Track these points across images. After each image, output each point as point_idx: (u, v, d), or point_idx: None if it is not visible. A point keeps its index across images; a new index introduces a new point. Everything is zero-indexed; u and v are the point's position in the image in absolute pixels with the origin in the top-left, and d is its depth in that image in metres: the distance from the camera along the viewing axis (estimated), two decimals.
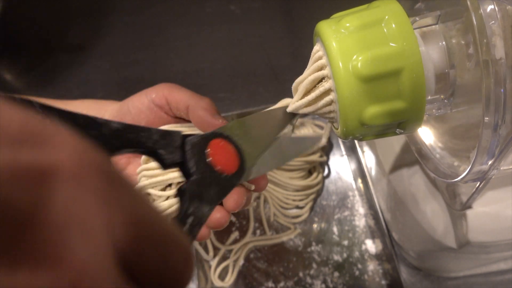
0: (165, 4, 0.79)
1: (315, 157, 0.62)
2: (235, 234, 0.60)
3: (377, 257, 0.58)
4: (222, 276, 0.58)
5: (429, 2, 0.33)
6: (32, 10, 0.80)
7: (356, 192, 0.63)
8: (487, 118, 0.27)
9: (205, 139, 0.23)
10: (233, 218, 0.62)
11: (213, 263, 0.58)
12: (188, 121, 0.35)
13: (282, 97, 0.34)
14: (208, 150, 0.23)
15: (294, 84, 0.30)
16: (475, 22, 0.25)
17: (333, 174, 0.65)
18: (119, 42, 0.76)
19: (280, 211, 0.62)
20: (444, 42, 0.30)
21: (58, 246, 0.09)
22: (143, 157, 0.34)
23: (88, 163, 0.11)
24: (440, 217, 0.45)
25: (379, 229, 0.59)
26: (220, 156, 0.23)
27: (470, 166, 0.30)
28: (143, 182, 0.34)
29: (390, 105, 0.27)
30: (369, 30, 0.27)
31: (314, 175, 0.62)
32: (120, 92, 0.38)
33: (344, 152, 0.66)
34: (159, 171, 0.33)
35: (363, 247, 0.59)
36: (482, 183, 0.33)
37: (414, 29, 0.27)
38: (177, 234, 0.14)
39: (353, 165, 0.65)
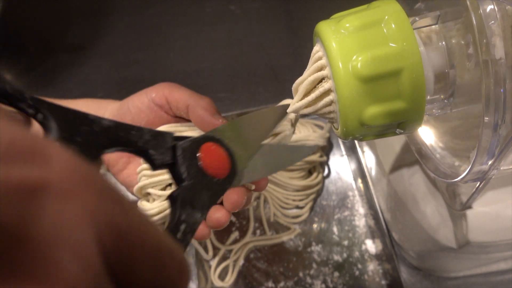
0: (165, 4, 0.79)
1: (315, 157, 0.62)
2: (235, 234, 0.60)
3: (377, 257, 0.58)
4: (222, 276, 0.58)
5: (429, 2, 0.33)
6: (32, 10, 0.80)
7: (356, 192, 0.63)
8: (487, 118, 0.27)
9: (196, 143, 0.23)
10: (233, 218, 0.62)
11: (213, 263, 0.58)
12: (188, 121, 0.35)
13: (282, 97, 0.34)
14: (200, 154, 0.23)
15: (294, 85, 0.30)
16: (474, 22, 0.25)
17: (333, 174, 0.65)
18: (119, 42, 0.76)
19: (280, 211, 0.62)
20: (444, 42, 0.30)
21: (47, 262, 0.09)
22: None
23: (77, 178, 0.11)
24: (440, 217, 0.45)
25: (379, 229, 0.59)
26: (211, 160, 0.23)
27: (470, 166, 0.30)
28: (143, 181, 0.34)
29: (390, 105, 0.27)
30: (369, 30, 0.26)
31: (314, 175, 0.62)
32: (120, 92, 0.38)
33: (344, 152, 0.66)
34: (159, 170, 0.33)
35: (363, 247, 0.59)
36: (482, 183, 0.33)
37: (414, 29, 0.27)
38: (170, 244, 0.14)
39: (353, 165, 0.65)
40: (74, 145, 0.18)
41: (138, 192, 0.34)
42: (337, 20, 0.28)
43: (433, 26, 0.31)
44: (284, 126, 0.33)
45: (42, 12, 0.80)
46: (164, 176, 0.33)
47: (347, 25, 0.27)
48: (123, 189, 0.38)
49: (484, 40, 0.25)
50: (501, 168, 0.31)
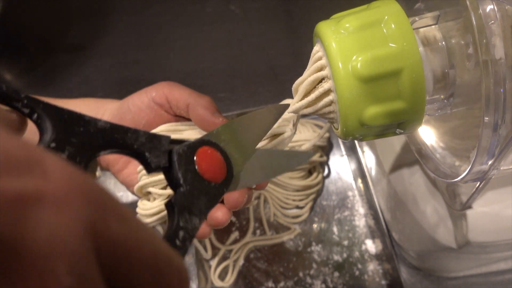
0: (165, 4, 0.79)
1: (315, 157, 0.62)
2: (235, 234, 0.60)
3: (377, 257, 0.58)
4: (222, 276, 0.58)
5: (429, 2, 0.33)
6: (32, 10, 0.80)
7: (356, 192, 0.63)
8: (487, 118, 0.27)
9: (192, 148, 0.23)
10: (233, 218, 0.62)
11: (213, 263, 0.58)
12: (188, 120, 0.35)
13: (282, 97, 0.34)
14: (196, 159, 0.22)
15: (294, 85, 0.30)
16: (474, 22, 0.25)
17: (333, 174, 0.65)
18: (119, 42, 0.76)
19: (280, 211, 0.62)
20: (443, 42, 0.30)
21: (43, 274, 0.09)
22: None
23: (73, 189, 0.11)
24: (440, 217, 0.45)
25: (379, 229, 0.59)
26: (207, 164, 0.23)
27: (470, 166, 0.30)
28: (143, 180, 0.34)
29: (390, 105, 0.27)
30: (368, 30, 0.26)
31: (314, 175, 0.62)
32: (120, 92, 0.38)
33: (344, 152, 0.66)
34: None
35: (363, 247, 0.59)
36: (482, 183, 0.33)
37: (414, 29, 0.27)
38: (168, 252, 0.14)
39: (353, 165, 0.65)
40: (69, 146, 0.18)
41: (139, 191, 0.34)
42: (337, 20, 0.28)
43: (433, 26, 0.31)
44: (285, 127, 0.32)
45: (42, 12, 0.80)
46: (163, 175, 0.33)
47: (347, 25, 0.27)
48: (123, 188, 0.38)
49: (484, 40, 0.25)
50: (501, 168, 0.31)
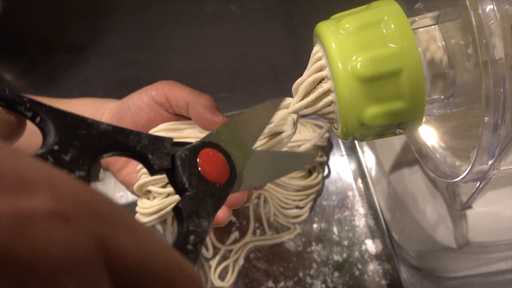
0: (165, 4, 0.79)
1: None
2: (235, 234, 0.60)
3: (377, 257, 0.58)
4: (222, 276, 0.58)
5: (428, 2, 0.33)
6: (32, 10, 0.80)
7: (356, 192, 0.63)
8: (486, 118, 0.27)
9: (194, 151, 0.23)
10: (233, 218, 0.62)
11: (213, 263, 0.58)
12: (188, 118, 0.35)
13: (282, 97, 0.34)
14: (199, 162, 0.22)
15: (294, 85, 0.30)
16: (474, 22, 0.25)
17: (333, 174, 0.65)
18: (119, 42, 0.76)
19: (280, 211, 0.62)
20: (443, 43, 0.30)
21: None
22: None
23: (83, 205, 0.11)
24: (440, 217, 0.45)
25: (379, 229, 0.59)
26: (211, 166, 0.23)
27: (470, 166, 0.30)
28: (143, 179, 0.34)
29: (390, 105, 0.27)
30: (368, 31, 0.26)
31: (314, 175, 0.62)
32: (120, 92, 0.38)
33: (344, 152, 0.66)
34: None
35: (363, 247, 0.59)
36: (482, 183, 0.33)
37: (414, 29, 0.27)
38: (180, 260, 0.14)
39: (353, 165, 0.65)
40: (72, 148, 0.18)
41: (138, 190, 0.34)
42: (337, 20, 0.28)
43: (433, 26, 0.31)
44: (285, 126, 0.32)
45: (42, 12, 0.80)
46: (163, 174, 0.33)
47: (347, 25, 0.27)
48: (123, 188, 0.38)
49: (484, 40, 0.25)
50: (501, 168, 0.31)
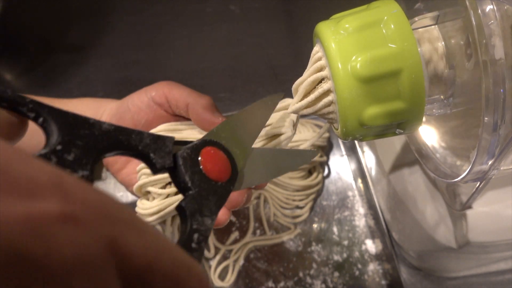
0: (165, 4, 0.79)
1: (315, 157, 0.62)
2: (235, 234, 0.60)
3: (377, 257, 0.58)
4: (222, 276, 0.58)
5: (428, 2, 0.33)
6: (32, 10, 0.80)
7: (356, 192, 0.63)
8: (486, 118, 0.27)
9: (195, 150, 0.23)
10: (233, 218, 0.62)
11: (213, 263, 0.58)
12: (188, 119, 0.35)
13: (282, 97, 0.34)
14: (200, 160, 0.23)
15: (294, 86, 0.30)
16: (473, 22, 0.25)
17: (333, 174, 0.65)
18: (119, 42, 0.76)
19: (280, 211, 0.62)
20: (443, 43, 0.30)
21: None
22: None
23: (94, 209, 0.12)
24: (440, 217, 0.45)
25: (379, 229, 0.59)
26: (212, 164, 0.23)
27: (470, 166, 0.30)
28: (143, 180, 0.34)
29: (390, 105, 0.27)
30: (368, 31, 0.26)
31: (314, 175, 0.62)
32: (121, 92, 0.38)
33: (344, 152, 0.66)
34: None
35: (363, 247, 0.59)
36: (482, 183, 0.33)
37: (413, 29, 0.27)
38: (187, 259, 0.14)
39: (353, 165, 0.65)
40: (75, 148, 0.18)
41: (138, 190, 0.34)
42: (337, 20, 0.28)
43: (433, 27, 0.31)
44: (285, 127, 0.33)
45: (42, 12, 0.80)
46: (163, 174, 0.33)
47: (347, 25, 0.27)
48: (123, 189, 0.38)
49: (484, 41, 0.25)
50: (501, 168, 0.31)
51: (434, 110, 0.33)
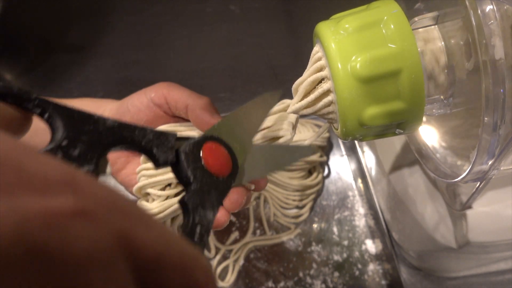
0: (165, 4, 0.79)
1: (315, 157, 0.62)
2: (235, 234, 0.60)
3: (377, 257, 0.58)
4: (222, 276, 0.58)
5: (428, 2, 0.33)
6: (32, 10, 0.80)
7: (356, 192, 0.63)
8: (486, 118, 0.27)
9: (197, 146, 0.23)
10: (233, 218, 0.62)
11: (213, 263, 0.58)
12: (187, 120, 0.35)
13: (282, 97, 0.34)
14: (202, 156, 0.23)
15: (294, 86, 0.30)
16: (473, 23, 0.25)
17: (333, 174, 0.65)
18: (119, 42, 0.76)
19: (280, 211, 0.62)
20: (443, 43, 0.30)
21: (83, 284, 0.11)
22: (142, 156, 0.34)
23: (105, 204, 0.12)
24: (440, 217, 0.45)
25: (379, 229, 0.59)
26: (214, 159, 0.24)
27: (470, 166, 0.30)
28: (142, 181, 0.34)
29: (390, 105, 0.27)
30: (368, 31, 0.26)
31: (314, 175, 0.62)
32: (121, 92, 0.38)
33: (344, 152, 0.66)
34: (159, 170, 0.33)
35: (363, 247, 0.59)
36: (482, 183, 0.33)
37: (413, 29, 0.27)
38: (193, 251, 0.14)
39: (353, 165, 0.65)
40: (80, 143, 0.19)
41: (138, 192, 0.34)
42: (337, 20, 0.28)
43: (432, 27, 0.31)
44: (285, 130, 0.33)
45: (42, 12, 0.80)
46: (163, 176, 0.33)
47: (346, 25, 0.27)
48: (122, 189, 0.38)
49: (483, 41, 0.25)
50: (501, 168, 0.31)
51: (434, 110, 0.33)
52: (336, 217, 0.61)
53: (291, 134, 0.32)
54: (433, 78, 0.30)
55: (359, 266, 0.58)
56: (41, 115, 0.19)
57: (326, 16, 0.30)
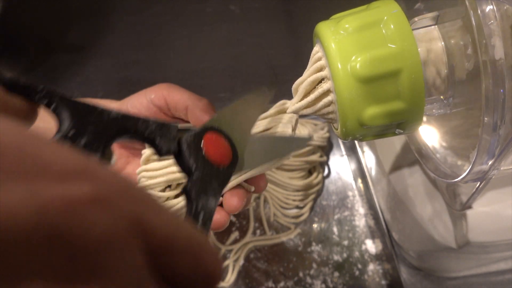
0: (165, 4, 0.79)
1: (315, 157, 0.62)
2: (235, 234, 0.60)
3: (377, 257, 0.58)
4: (222, 276, 0.58)
5: (428, 2, 0.33)
6: (32, 10, 0.80)
7: (356, 192, 0.63)
8: (486, 119, 0.27)
9: (198, 136, 0.24)
10: (233, 218, 0.62)
11: None
12: (187, 122, 0.35)
13: (282, 97, 0.34)
14: (203, 146, 0.24)
15: (294, 86, 0.30)
16: (473, 23, 0.25)
17: (333, 174, 0.65)
18: (119, 42, 0.76)
19: (280, 211, 0.62)
20: (443, 43, 0.30)
21: (102, 266, 0.11)
22: (143, 157, 0.34)
23: (120, 191, 0.13)
24: (440, 217, 0.45)
25: (379, 229, 0.59)
26: (215, 149, 0.24)
27: (470, 166, 0.30)
28: (142, 182, 0.34)
29: (389, 105, 0.27)
30: (368, 31, 0.26)
31: (314, 175, 0.62)
32: (121, 92, 0.38)
33: (344, 152, 0.66)
34: (159, 172, 0.33)
35: (363, 247, 0.59)
36: (482, 183, 0.33)
37: (413, 29, 0.27)
38: (200, 236, 0.15)
39: (353, 165, 0.65)
40: (86, 133, 0.19)
41: None
42: (337, 21, 0.28)
43: (432, 27, 0.31)
44: (285, 131, 0.33)
45: (42, 12, 0.80)
46: (163, 177, 0.33)
47: (346, 25, 0.27)
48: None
49: (483, 41, 0.25)
50: (501, 168, 0.31)
51: (434, 110, 0.33)
52: (336, 217, 0.61)
53: (288, 129, 0.33)
54: (433, 78, 0.30)
55: (359, 266, 0.58)
56: (47, 106, 0.20)
57: (326, 16, 0.30)
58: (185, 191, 0.22)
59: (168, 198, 0.33)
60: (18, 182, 0.10)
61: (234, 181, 0.31)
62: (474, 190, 0.35)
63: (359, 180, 0.63)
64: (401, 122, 0.28)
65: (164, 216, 0.14)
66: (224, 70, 0.73)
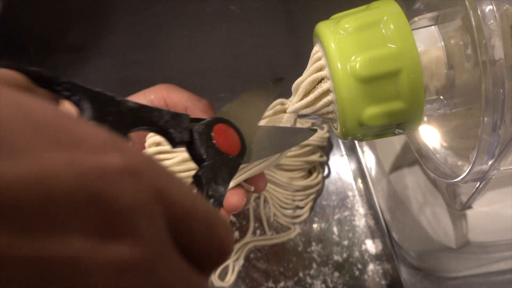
0: (165, 4, 0.79)
1: (315, 157, 0.62)
2: (235, 234, 0.60)
3: (377, 257, 0.58)
4: (222, 276, 0.58)
5: (428, 2, 0.33)
6: (32, 10, 0.80)
7: (356, 192, 0.63)
8: (486, 119, 0.27)
9: (209, 126, 0.25)
10: (233, 218, 0.62)
11: None
12: None
13: (282, 97, 0.34)
14: (213, 135, 0.25)
15: (293, 85, 0.30)
16: (473, 23, 0.25)
17: (333, 174, 0.65)
18: (119, 42, 0.76)
19: (280, 211, 0.62)
20: (442, 43, 0.30)
21: (134, 227, 0.13)
22: (149, 141, 0.34)
23: (145, 164, 0.14)
24: (440, 217, 0.45)
25: (379, 229, 0.59)
26: (224, 139, 0.26)
27: (470, 166, 0.30)
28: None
29: (389, 105, 0.27)
30: (367, 31, 0.26)
31: (314, 175, 0.62)
32: (121, 92, 0.38)
33: (344, 152, 0.66)
34: (172, 161, 0.33)
35: (363, 247, 0.59)
36: (482, 183, 0.33)
37: (413, 29, 0.27)
38: (214, 210, 0.17)
39: (353, 165, 0.65)
40: (106, 123, 0.20)
41: None
42: (336, 20, 0.28)
43: (432, 27, 0.31)
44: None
45: (42, 12, 0.80)
46: (176, 167, 0.33)
47: (346, 25, 0.27)
48: None
49: (483, 41, 0.25)
50: (501, 168, 0.31)
51: (433, 111, 0.33)
52: (336, 217, 0.61)
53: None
54: (433, 79, 0.30)
55: (359, 266, 0.58)
56: (70, 97, 0.21)
57: (326, 16, 0.30)
58: (196, 178, 0.23)
59: None
60: (59, 152, 0.12)
61: (234, 181, 0.31)
62: (474, 190, 0.35)
63: (359, 180, 0.63)
64: (400, 122, 0.28)
65: (184, 190, 0.15)
66: (224, 70, 0.73)
